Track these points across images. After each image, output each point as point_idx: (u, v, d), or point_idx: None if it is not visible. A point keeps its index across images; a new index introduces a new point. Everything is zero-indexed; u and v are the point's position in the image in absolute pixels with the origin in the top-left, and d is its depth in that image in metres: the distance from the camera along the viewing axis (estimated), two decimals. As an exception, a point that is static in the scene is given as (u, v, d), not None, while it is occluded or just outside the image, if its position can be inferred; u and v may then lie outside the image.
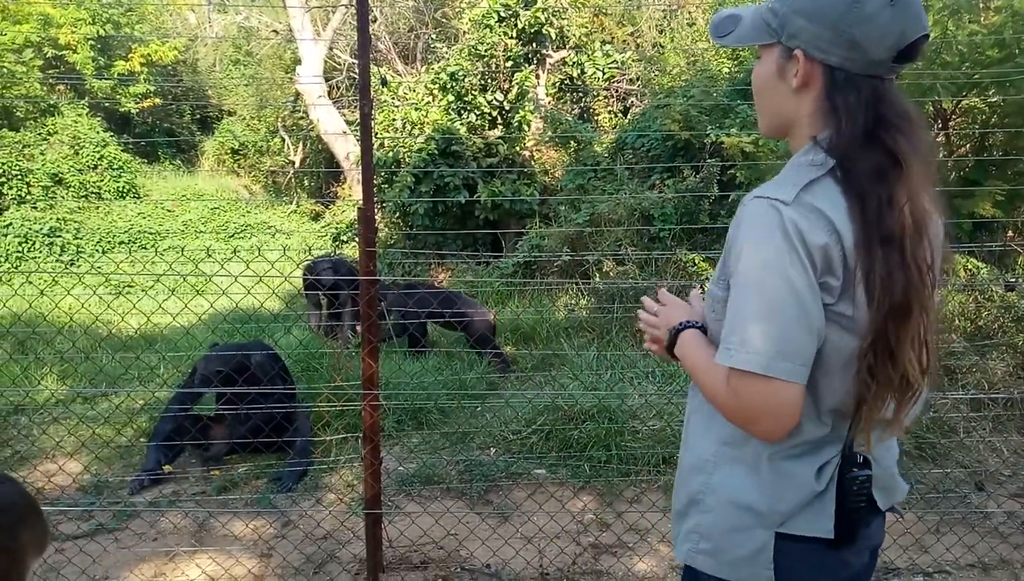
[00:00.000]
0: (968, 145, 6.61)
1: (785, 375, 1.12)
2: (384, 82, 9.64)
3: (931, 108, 6.01)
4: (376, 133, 10.14)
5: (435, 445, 4.37)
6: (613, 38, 12.41)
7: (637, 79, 11.62)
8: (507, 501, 3.67)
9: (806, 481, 1.23)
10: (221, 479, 3.98)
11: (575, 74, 11.07)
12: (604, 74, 11.15)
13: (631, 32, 12.77)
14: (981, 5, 5.79)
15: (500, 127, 9.74)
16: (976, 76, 5.29)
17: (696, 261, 6.67)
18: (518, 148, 9.56)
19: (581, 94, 11.20)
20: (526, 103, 9.58)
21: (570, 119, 9.56)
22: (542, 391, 4.78)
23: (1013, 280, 4.89)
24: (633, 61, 11.67)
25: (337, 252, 10.33)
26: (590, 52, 11.10)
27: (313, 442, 4.14)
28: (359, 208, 2.85)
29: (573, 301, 7.04)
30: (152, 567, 3.14)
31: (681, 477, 1.38)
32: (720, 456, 1.29)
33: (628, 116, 10.97)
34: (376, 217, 9.24)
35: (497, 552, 3.14)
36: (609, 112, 11.57)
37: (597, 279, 6.88)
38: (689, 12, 12.31)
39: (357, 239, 2.90)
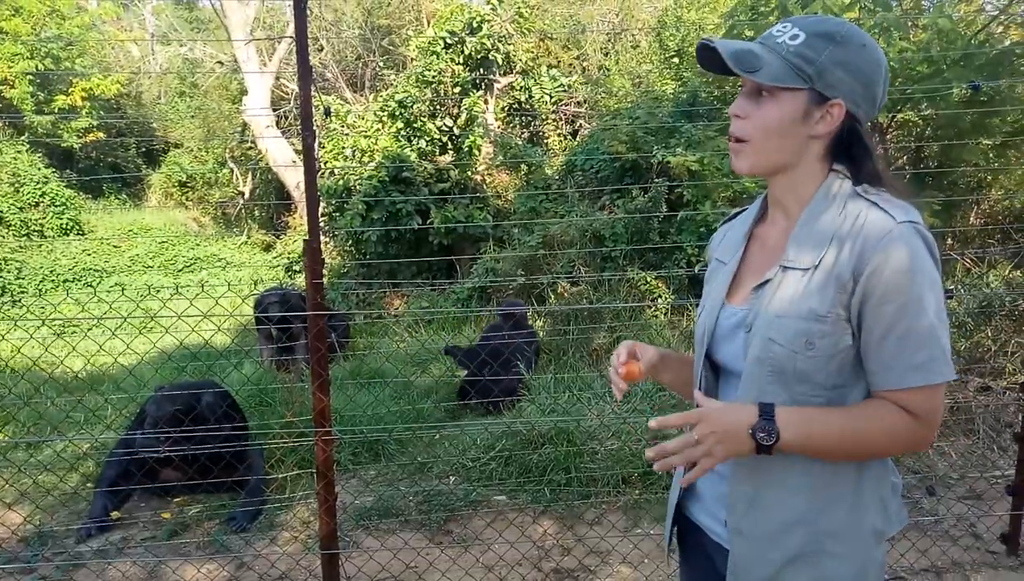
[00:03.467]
0: (904, 157, 6.83)
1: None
2: (328, 112, 9.59)
3: (869, 122, 6.20)
4: (325, 162, 10.07)
5: (392, 476, 4.31)
6: (559, 62, 12.58)
7: (584, 101, 11.78)
8: (467, 531, 3.62)
9: (897, 483, 1.39)
10: (171, 523, 3.86)
11: (523, 98, 11.18)
12: (552, 98, 11.29)
13: (577, 56, 12.96)
14: (910, 24, 6.01)
15: (451, 152, 9.77)
16: (909, 91, 5.47)
17: (648, 279, 6.74)
18: (469, 173, 9.59)
19: (530, 118, 11.30)
20: (475, 128, 9.63)
21: (520, 143, 9.63)
22: (498, 419, 4.75)
23: (951, 288, 5.05)
24: (579, 84, 11.84)
25: (290, 283, 10.19)
26: (537, 76, 11.23)
27: (266, 480, 4.05)
28: (304, 240, 2.82)
29: (530, 324, 7.04)
30: (100, 619, 3.02)
31: (764, 539, 1.33)
32: (824, 501, 1.29)
33: (577, 138, 11.10)
34: (328, 246, 9.13)
35: (458, 583, 3.09)
36: (558, 135, 11.69)
37: (552, 301, 6.90)
38: (632, 35, 12.54)
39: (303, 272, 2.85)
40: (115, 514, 3.86)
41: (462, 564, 3.17)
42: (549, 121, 11.43)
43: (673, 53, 10.71)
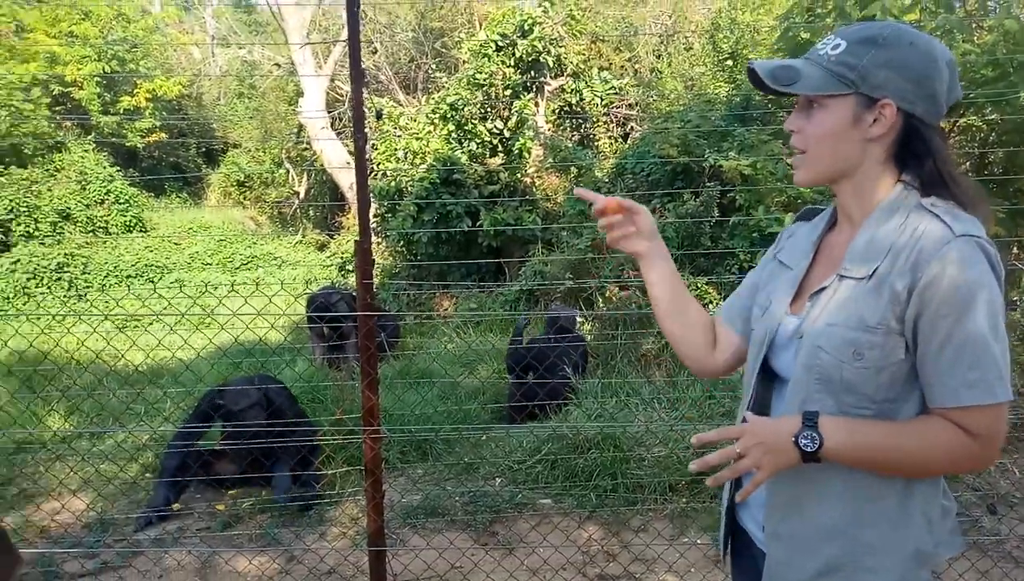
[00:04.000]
0: (968, 163, 6.62)
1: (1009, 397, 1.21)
2: (379, 115, 9.73)
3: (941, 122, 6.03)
4: (378, 163, 10.21)
5: (439, 476, 4.35)
6: (611, 64, 12.53)
7: (636, 104, 11.71)
8: (512, 532, 3.64)
9: (950, 506, 1.35)
10: (225, 514, 3.97)
11: (574, 101, 11.16)
12: (602, 100, 11.24)
13: (628, 58, 12.89)
14: (973, 25, 5.82)
15: (501, 155, 9.82)
16: (972, 95, 5.30)
17: (698, 285, 6.67)
18: (519, 175, 9.62)
19: (580, 120, 11.28)
20: (526, 130, 9.66)
21: (570, 145, 9.61)
22: (545, 423, 4.75)
23: (1016, 299, 4.90)
24: (631, 86, 11.77)
25: (342, 282, 10.36)
26: (588, 79, 11.20)
27: (317, 476, 4.13)
28: (355, 241, 2.87)
29: (579, 327, 7.03)
30: (156, 606, 3.12)
31: (801, 546, 1.33)
32: (866, 513, 1.28)
33: (628, 141, 11.04)
34: (380, 247, 9.24)
35: (502, 585, 3.11)
36: (609, 137, 11.64)
37: (600, 305, 6.87)
38: (685, 37, 12.42)
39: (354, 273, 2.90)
40: (176, 506, 3.98)
41: (506, 566, 3.19)
42: (600, 124, 11.39)
43: (727, 56, 10.58)
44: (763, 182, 6.51)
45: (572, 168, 9.10)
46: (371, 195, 9.86)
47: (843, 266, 1.31)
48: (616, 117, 11.91)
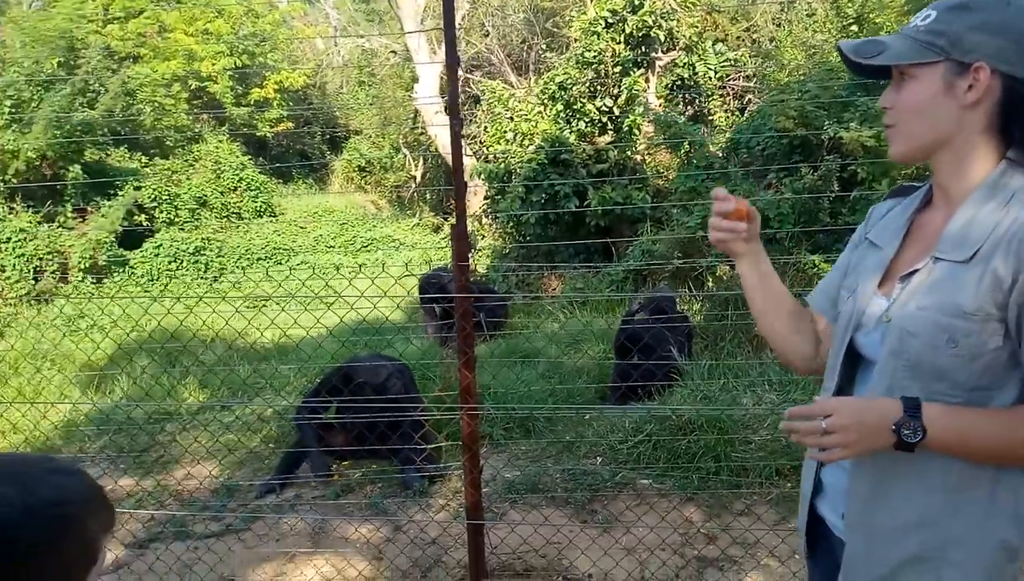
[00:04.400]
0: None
1: None
2: (477, 99, 9.82)
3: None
4: (488, 146, 10.34)
5: (541, 453, 4.41)
6: (727, 35, 12.08)
7: (753, 76, 11.26)
8: (610, 511, 3.65)
9: None
10: (338, 485, 4.19)
11: (686, 75, 10.85)
12: (716, 73, 10.88)
13: (746, 28, 12.38)
14: None
15: (610, 133, 9.70)
16: None
17: (816, 262, 6.39)
18: (629, 153, 9.48)
19: (694, 95, 10.97)
20: (636, 107, 9.49)
21: (681, 121, 9.38)
22: (647, 403, 4.72)
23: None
24: (749, 57, 11.31)
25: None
26: (701, 52, 10.85)
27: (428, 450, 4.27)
28: (452, 225, 2.94)
29: (685, 307, 6.90)
30: (273, 567, 3.35)
31: (884, 535, 1.28)
32: (961, 503, 1.22)
33: (745, 114, 10.65)
34: (490, 228, 9.37)
35: (598, 562, 3.14)
36: (725, 111, 11.27)
37: (710, 284, 6.71)
38: (808, 2, 11.80)
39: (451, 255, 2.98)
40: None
41: (602, 544, 3.21)
42: (715, 98, 11.04)
43: (851, 20, 9.98)
44: (887, 153, 6.14)
45: (684, 144, 8.88)
46: (481, 177, 10.02)
47: (938, 248, 1.24)
48: (733, 90, 11.50)
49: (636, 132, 9.58)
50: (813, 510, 1.47)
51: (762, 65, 11.12)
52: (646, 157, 9.79)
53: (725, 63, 10.92)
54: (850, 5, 10.16)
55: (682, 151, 8.82)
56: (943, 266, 1.22)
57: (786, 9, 12.09)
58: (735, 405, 4.33)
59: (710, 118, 10.98)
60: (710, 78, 10.78)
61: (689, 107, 11.18)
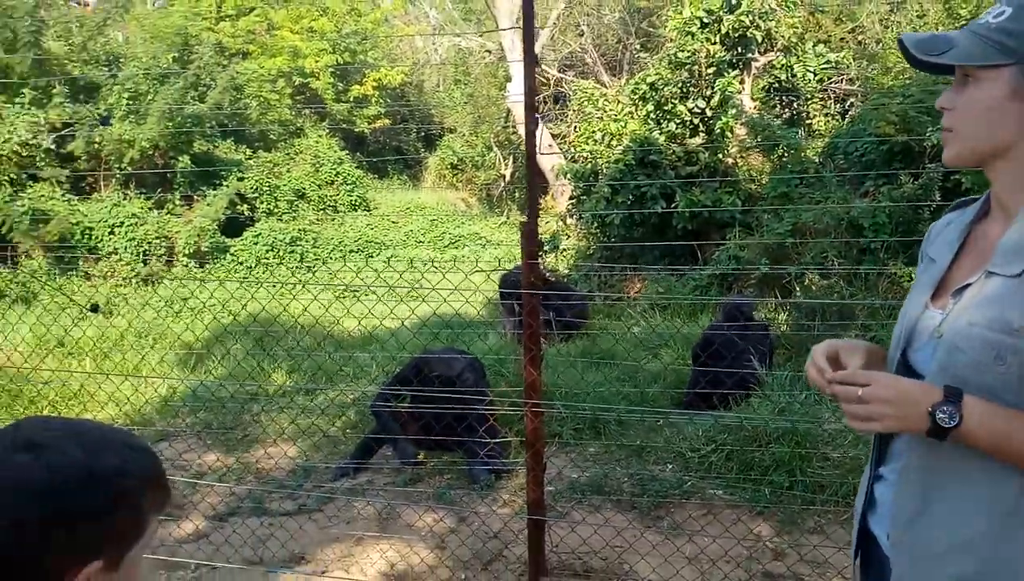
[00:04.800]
0: None
1: None
2: (556, 100, 9.78)
3: None
4: (575, 146, 10.31)
5: (611, 456, 4.39)
6: (830, 36, 11.64)
7: (856, 79, 10.82)
8: (676, 519, 3.60)
9: None
10: (409, 473, 4.29)
11: (784, 77, 10.52)
12: (816, 76, 10.50)
13: (851, 29, 11.90)
14: None
15: (701, 135, 9.51)
16: None
17: (913, 275, 6.09)
18: (720, 156, 9.28)
19: (791, 98, 10.62)
20: (728, 109, 9.27)
21: (777, 124, 9.11)
22: (723, 412, 4.61)
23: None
24: (850, 60, 10.86)
25: (540, 264, 10.62)
26: (800, 53, 10.50)
27: (503, 444, 4.31)
28: (521, 222, 2.97)
29: (771, 316, 6.71)
30: (342, 548, 3.46)
31: (931, 556, 1.22)
32: (1006, 527, 1.16)
33: (846, 119, 10.24)
34: (575, 228, 9.35)
35: (658, 569, 3.10)
36: (825, 115, 10.87)
37: (798, 293, 6.50)
38: (919, 3, 11.23)
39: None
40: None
41: (663, 551, 3.17)
42: (814, 101, 10.66)
43: (964, 22, 9.43)
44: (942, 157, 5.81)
45: (778, 148, 8.64)
46: (567, 177, 10.01)
47: (992, 261, 1.18)
48: (835, 94, 11.07)
49: (728, 135, 9.37)
50: (865, 526, 1.42)
51: (866, 68, 10.66)
52: (738, 161, 9.55)
53: (826, 65, 10.52)
54: (964, 6, 9.62)
55: (775, 155, 8.56)
56: (996, 281, 1.16)
57: (895, 10, 11.56)
58: (814, 419, 4.19)
59: (808, 122, 10.62)
60: (809, 81, 10.41)
61: (786, 110, 10.84)
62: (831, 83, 10.81)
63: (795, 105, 10.77)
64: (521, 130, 14.01)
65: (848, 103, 11.01)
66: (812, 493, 3.77)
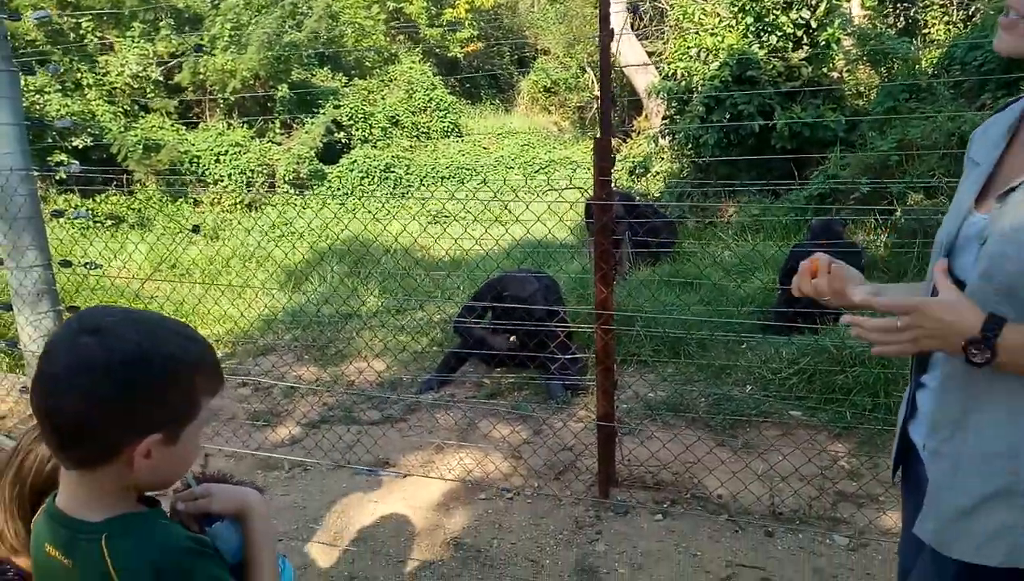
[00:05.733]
0: None
1: None
2: (633, 9, 9.30)
3: None
4: (669, 63, 9.93)
5: (689, 377, 4.39)
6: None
7: (983, -20, 9.87)
8: (751, 438, 3.60)
9: None
10: (490, 387, 4.44)
11: (900, -19, 9.74)
12: (937, -22, 9.66)
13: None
14: None
15: (805, 48, 8.97)
16: None
17: None
18: (824, 70, 8.73)
19: (907, 4, 9.82)
20: (836, 19, 8.66)
21: (888, 33, 8.47)
22: (810, 335, 4.50)
23: None
24: (979, -42, 9.91)
25: (630, 185, 10.45)
26: (919, -47, 9.66)
27: (577, 359, 4.40)
28: (595, 138, 2.94)
29: (871, 237, 6.42)
30: (424, 455, 3.65)
31: (967, 466, 1.21)
32: None
33: (968, 27, 9.41)
34: (666, 149, 9.06)
35: (726, 483, 3.13)
36: (946, 23, 10.03)
37: (898, 213, 6.18)
38: None
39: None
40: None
41: (732, 467, 3.19)
42: (934, 7, 9.83)
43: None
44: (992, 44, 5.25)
45: (888, 59, 8.07)
46: (659, 96, 9.68)
47: None
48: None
49: (834, 47, 8.79)
50: (906, 435, 1.40)
51: (995, -33, 9.70)
52: (844, 75, 8.98)
53: (948, -34, 9.66)
54: None
55: (885, 68, 8.01)
56: None
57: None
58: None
59: (925, 32, 9.82)
60: (928, -16, 9.60)
61: (900, 19, 10.04)
62: (954, -14, 9.93)
63: (911, 13, 9.97)
64: (614, 46, 13.61)
65: (972, 8, 10.09)
66: (895, 415, 3.68)
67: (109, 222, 9.80)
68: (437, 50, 18.10)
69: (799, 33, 8.99)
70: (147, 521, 1.07)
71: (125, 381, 0.99)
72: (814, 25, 8.88)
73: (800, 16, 8.92)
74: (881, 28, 8.83)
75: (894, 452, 1.44)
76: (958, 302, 1.15)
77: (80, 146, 10.19)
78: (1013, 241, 1.11)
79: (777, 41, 8.96)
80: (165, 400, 1.03)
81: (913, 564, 1.38)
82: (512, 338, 4.46)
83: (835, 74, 8.99)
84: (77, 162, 8.63)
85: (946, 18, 10.06)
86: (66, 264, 4.04)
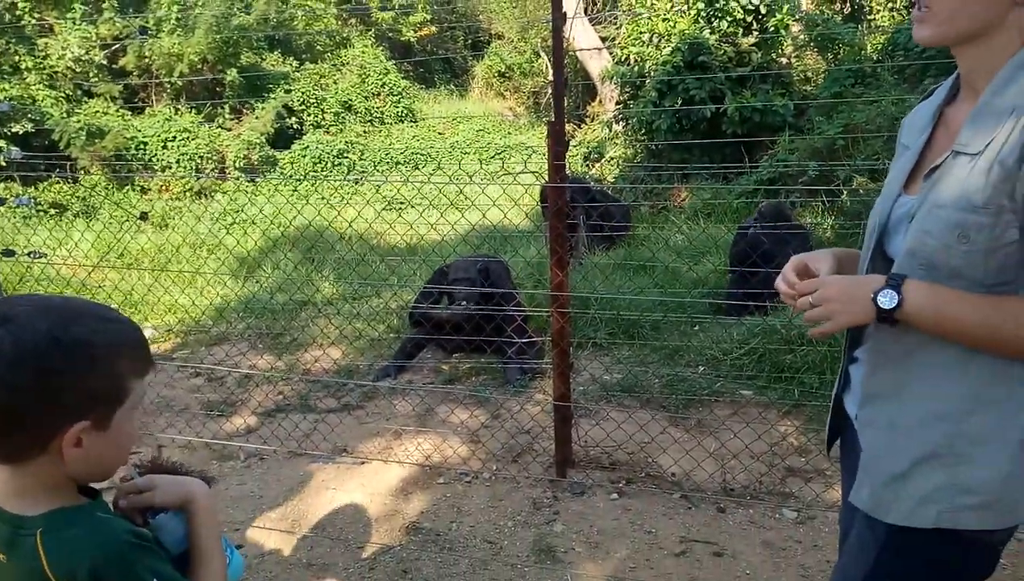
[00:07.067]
0: None
1: None
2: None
3: None
4: (621, 47, 9.99)
5: (643, 359, 4.46)
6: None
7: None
8: (704, 418, 3.68)
9: None
10: (447, 373, 4.45)
11: (846, -32, 9.94)
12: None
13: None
14: None
15: (754, 33, 9.10)
16: None
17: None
18: (773, 55, 8.88)
19: (853, -9, 10.04)
20: (784, 4, 8.81)
21: (835, 20, 8.65)
22: (759, 315, 4.61)
23: None
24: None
25: (584, 172, 10.50)
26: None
27: (532, 343, 4.43)
28: (549, 122, 2.96)
29: (818, 220, 6.57)
30: (382, 442, 3.66)
31: (899, 433, 1.25)
32: (979, 400, 1.19)
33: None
34: (619, 135, 9.11)
35: (679, 462, 3.21)
36: (890, 10, 10.26)
37: (845, 197, 6.34)
38: None
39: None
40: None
41: (686, 446, 3.27)
42: (878, -7, 10.06)
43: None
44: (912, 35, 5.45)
45: (834, 46, 8.24)
46: (612, 81, 9.73)
47: (957, 141, 1.17)
48: (901, -15, 10.40)
49: (783, 33, 8.94)
50: (841, 407, 1.46)
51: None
52: (792, 60, 9.15)
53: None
54: None
55: (831, 54, 8.18)
56: (961, 159, 1.15)
57: None
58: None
59: (871, 18, 10.05)
60: (873, -29, 9.81)
61: (847, 5, 10.25)
62: (897, -27, 10.16)
63: (858, 1, 10.19)
64: (567, 30, 13.61)
65: (915, -5, 10.35)
66: (842, 393, 3.80)
67: (53, 210, 9.51)
68: (390, 34, 17.90)
69: (749, 19, 9.13)
70: (84, 515, 1.05)
71: (38, 370, 0.97)
72: (763, 11, 9.02)
73: (750, 2, 9.04)
74: (828, 14, 9.00)
75: (828, 424, 1.49)
76: (859, 277, 1.28)
77: (20, 132, 9.85)
78: (934, 217, 1.16)
79: (728, 26, 9.08)
80: (86, 385, 1.01)
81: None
82: (456, 304, 4.48)
83: (784, 60, 9.15)
84: (17, 148, 8.34)
85: (890, 5, 10.29)
86: (9, 254, 3.92)
